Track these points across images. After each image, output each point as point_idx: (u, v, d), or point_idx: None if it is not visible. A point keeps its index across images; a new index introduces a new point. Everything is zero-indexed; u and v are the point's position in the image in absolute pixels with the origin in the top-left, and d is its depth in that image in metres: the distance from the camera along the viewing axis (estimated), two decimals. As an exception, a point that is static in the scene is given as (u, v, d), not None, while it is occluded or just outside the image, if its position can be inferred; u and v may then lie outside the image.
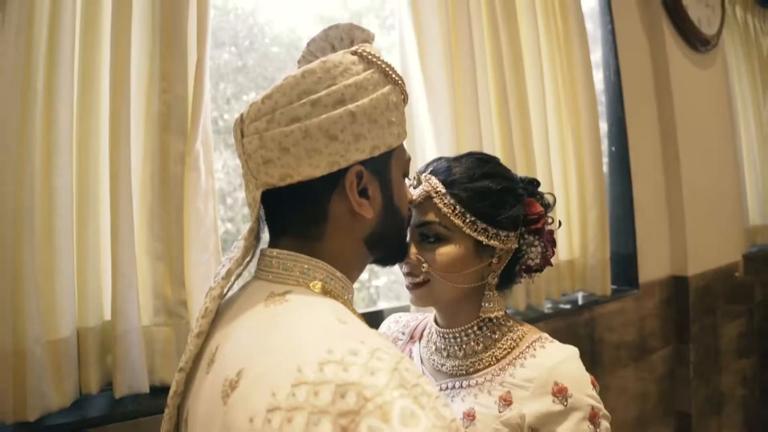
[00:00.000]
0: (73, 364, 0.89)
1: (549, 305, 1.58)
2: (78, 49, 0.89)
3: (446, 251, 0.68)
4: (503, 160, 1.38)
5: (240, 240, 0.56)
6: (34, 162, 0.82)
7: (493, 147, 1.39)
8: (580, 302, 1.68)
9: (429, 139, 1.30)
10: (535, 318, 1.48)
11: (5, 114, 0.80)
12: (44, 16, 0.84)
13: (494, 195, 0.68)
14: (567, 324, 1.61)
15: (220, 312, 0.55)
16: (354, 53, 0.54)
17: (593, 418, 0.62)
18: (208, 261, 1.00)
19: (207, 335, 0.54)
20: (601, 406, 0.63)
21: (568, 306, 1.62)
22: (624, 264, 1.90)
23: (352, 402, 0.36)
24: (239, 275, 0.57)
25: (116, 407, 0.89)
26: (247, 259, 0.56)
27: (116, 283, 0.88)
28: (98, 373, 0.92)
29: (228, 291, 0.57)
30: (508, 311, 1.50)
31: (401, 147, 0.60)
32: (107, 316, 0.94)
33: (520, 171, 1.43)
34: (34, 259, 0.82)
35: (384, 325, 0.90)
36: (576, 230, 1.67)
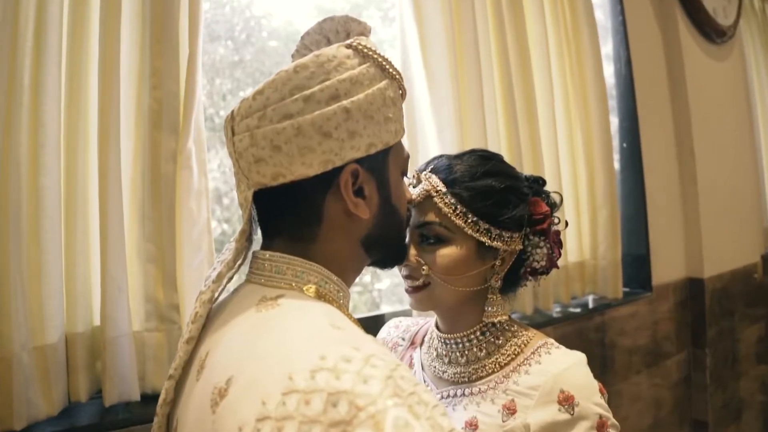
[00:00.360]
0: (62, 371, 0.86)
1: (558, 309, 1.54)
2: (66, 43, 0.87)
3: (447, 253, 0.66)
4: (509, 157, 1.35)
5: (231, 242, 0.55)
6: (20, 161, 0.80)
7: (499, 143, 1.35)
8: (590, 306, 1.64)
9: (431, 136, 1.26)
10: (543, 322, 1.44)
11: (-11, 111, 0.78)
12: (30, 9, 0.82)
13: (497, 194, 0.66)
14: (577, 328, 1.56)
15: (211, 317, 0.54)
16: (349, 46, 0.52)
17: (601, 427, 0.59)
18: (201, 263, 0.97)
19: (197, 341, 0.52)
20: (609, 415, 0.61)
21: (578, 310, 1.58)
22: (636, 265, 1.86)
23: (344, 411, 0.35)
24: (231, 278, 0.55)
25: (106, 416, 0.87)
26: (239, 261, 0.55)
27: (105, 286, 0.86)
28: (87, 380, 0.90)
29: (219, 295, 0.55)
30: (514, 315, 1.46)
31: (399, 144, 0.57)
32: (96, 321, 0.91)
33: (527, 168, 1.39)
34: (20, 261, 0.80)
35: (384, 330, 0.88)
36: (586, 230, 1.63)
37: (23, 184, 0.81)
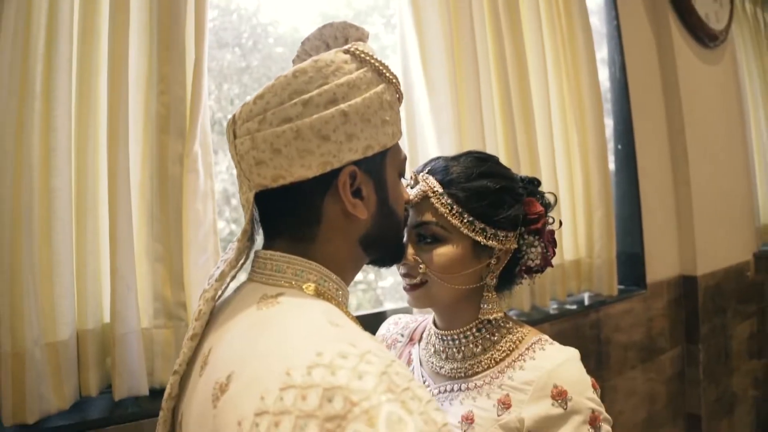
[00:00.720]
0: (73, 367, 0.88)
1: (554, 306, 1.56)
2: (76, 50, 0.89)
3: (443, 252, 0.67)
4: (507, 159, 1.38)
5: (234, 242, 0.56)
6: (32, 164, 0.83)
7: (497, 146, 1.37)
8: (586, 303, 1.66)
9: (431, 139, 1.28)
10: (540, 319, 1.46)
11: (3, 116, 0.80)
12: (42, 17, 0.84)
13: (492, 194, 0.67)
14: (573, 325, 1.59)
15: (215, 314, 0.55)
16: (346, 52, 0.53)
17: (594, 421, 0.60)
18: (207, 263, 0.99)
19: (201, 338, 0.53)
20: (602, 409, 0.62)
21: (574, 307, 1.60)
22: (631, 264, 1.88)
23: (339, 406, 0.35)
24: (234, 277, 0.57)
25: (116, 409, 0.89)
26: (241, 261, 0.56)
27: (115, 285, 0.88)
28: (98, 375, 0.92)
29: (223, 293, 0.57)
30: (512, 312, 1.49)
31: (396, 146, 0.59)
32: (106, 319, 0.93)
33: (524, 170, 1.42)
34: (32, 261, 0.82)
35: (383, 327, 0.89)
36: (581, 230, 1.65)
37: (35, 186, 0.83)
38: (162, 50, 0.94)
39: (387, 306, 1.43)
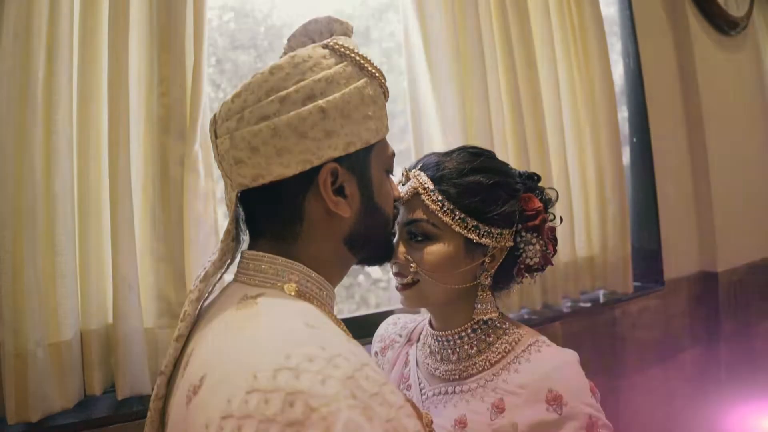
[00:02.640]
0: (77, 366, 0.90)
1: (568, 304, 1.52)
2: (76, 54, 0.91)
3: (435, 250, 0.66)
4: (515, 153, 1.35)
5: (219, 243, 0.56)
6: (34, 166, 0.84)
7: (505, 140, 1.35)
8: (601, 300, 1.62)
9: (436, 134, 1.26)
10: (552, 317, 1.43)
11: (4, 120, 0.82)
12: (42, 22, 0.86)
13: (486, 190, 0.65)
14: (588, 323, 1.55)
15: (201, 315, 0.55)
16: (325, 46, 0.52)
17: (591, 427, 0.58)
18: (208, 262, 1.00)
19: (187, 339, 0.53)
20: (600, 415, 0.60)
21: (588, 304, 1.56)
22: (648, 260, 1.83)
23: (299, 412, 0.35)
24: (221, 278, 0.56)
25: (119, 408, 0.91)
26: (227, 261, 0.55)
27: (118, 285, 0.90)
28: (102, 374, 0.94)
29: (209, 294, 0.57)
30: (523, 311, 1.45)
31: (383, 142, 0.57)
32: (110, 319, 0.95)
33: (534, 164, 1.38)
34: (36, 262, 0.84)
35: (382, 327, 0.89)
36: (595, 225, 1.61)
37: (38, 188, 0.84)
38: (162, 53, 0.95)
39: (397, 305, 1.41)
